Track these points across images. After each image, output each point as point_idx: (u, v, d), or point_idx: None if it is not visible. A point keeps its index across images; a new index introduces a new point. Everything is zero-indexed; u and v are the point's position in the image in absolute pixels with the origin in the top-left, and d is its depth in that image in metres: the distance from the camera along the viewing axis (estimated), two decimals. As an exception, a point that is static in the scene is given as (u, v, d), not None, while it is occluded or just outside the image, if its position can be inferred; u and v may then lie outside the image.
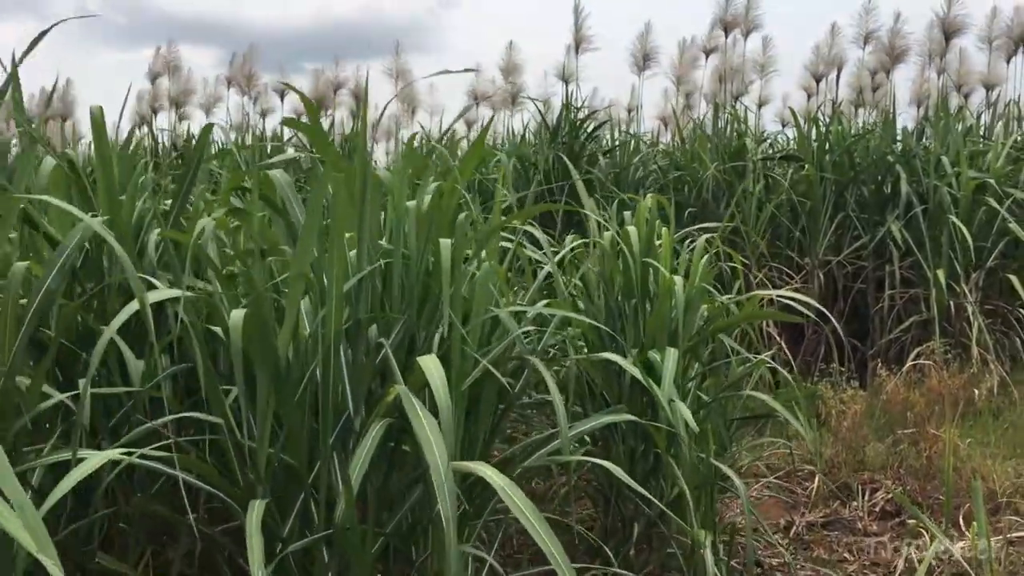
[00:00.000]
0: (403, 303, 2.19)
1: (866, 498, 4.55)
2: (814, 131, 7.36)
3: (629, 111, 10.09)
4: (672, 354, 2.79)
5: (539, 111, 7.33)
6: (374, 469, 2.01)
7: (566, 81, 8.63)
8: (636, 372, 2.52)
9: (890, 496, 4.51)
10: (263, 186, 2.30)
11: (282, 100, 9.43)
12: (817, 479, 4.69)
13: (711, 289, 3.21)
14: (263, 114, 10.37)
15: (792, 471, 4.97)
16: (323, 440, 1.95)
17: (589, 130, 7.34)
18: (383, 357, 2.02)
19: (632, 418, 2.52)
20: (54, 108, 10.52)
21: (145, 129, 10.82)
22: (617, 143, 7.76)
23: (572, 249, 3.28)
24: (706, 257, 3.19)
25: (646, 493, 2.17)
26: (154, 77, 9.72)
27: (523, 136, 8.21)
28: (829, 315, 3.35)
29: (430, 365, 1.82)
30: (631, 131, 8.19)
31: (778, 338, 6.75)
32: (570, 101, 7.70)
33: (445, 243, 2.15)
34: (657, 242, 3.20)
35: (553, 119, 7.52)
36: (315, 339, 1.97)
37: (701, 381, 3.37)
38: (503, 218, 2.71)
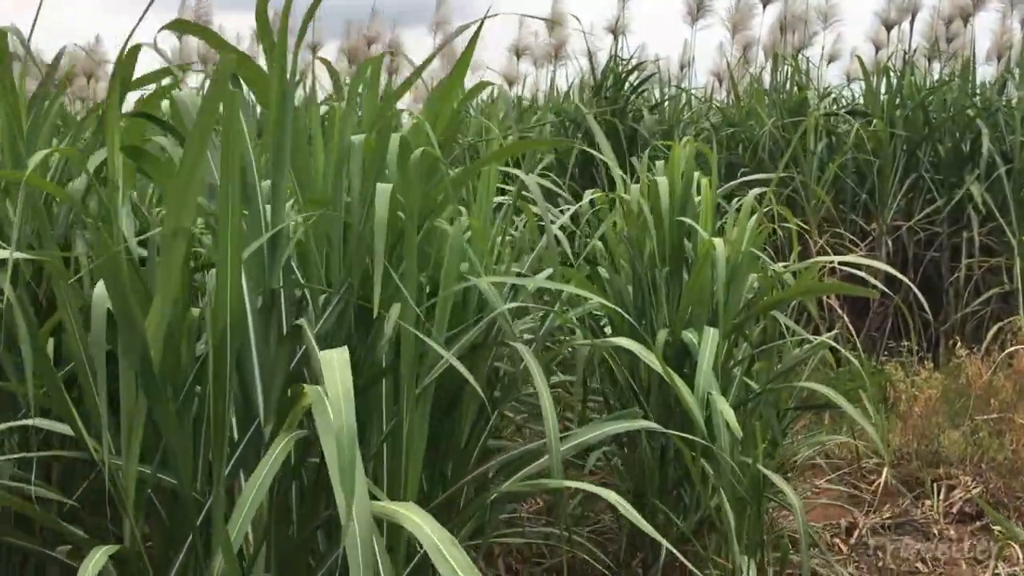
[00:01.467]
0: (343, 270, 1.71)
1: (941, 497, 3.98)
2: (883, 83, 6.68)
3: (682, 67, 9.44)
4: (711, 335, 2.27)
5: (581, 65, 6.75)
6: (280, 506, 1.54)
7: (614, 34, 8.03)
8: (655, 363, 1.99)
9: (970, 495, 3.92)
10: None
11: (314, 56, 8.94)
12: (884, 473, 4.12)
13: (761, 256, 2.66)
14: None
15: (856, 463, 4.40)
16: (216, 457, 1.47)
17: (635, 84, 6.75)
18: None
19: (650, 426, 1.99)
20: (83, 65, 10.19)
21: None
22: (665, 98, 7.14)
23: (592, 205, 2.75)
24: (755, 217, 2.64)
25: (653, 533, 1.64)
26: (181, 35, 9.29)
27: (567, 92, 7.63)
28: (904, 279, 2.78)
29: (331, 361, 1.31)
30: (682, 86, 7.56)
31: (840, 311, 6.14)
32: (616, 53, 7.11)
33: (383, 188, 1.65)
34: (696, 198, 2.67)
35: (598, 73, 6.94)
36: (215, 320, 1.49)
37: (749, 366, 2.84)
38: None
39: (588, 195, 2.71)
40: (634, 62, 7.20)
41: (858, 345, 6.08)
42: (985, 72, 8.70)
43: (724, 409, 2.14)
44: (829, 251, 6.24)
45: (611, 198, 2.72)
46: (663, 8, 11.08)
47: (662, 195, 2.49)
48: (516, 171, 2.45)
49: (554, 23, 8.90)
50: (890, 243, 6.23)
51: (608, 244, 2.66)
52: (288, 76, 1.75)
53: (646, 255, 2.55)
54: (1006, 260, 5.97)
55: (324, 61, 2.35)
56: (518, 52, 8.44)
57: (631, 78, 6.77)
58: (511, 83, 9.29)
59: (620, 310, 2.41)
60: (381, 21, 8.55)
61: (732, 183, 3.00)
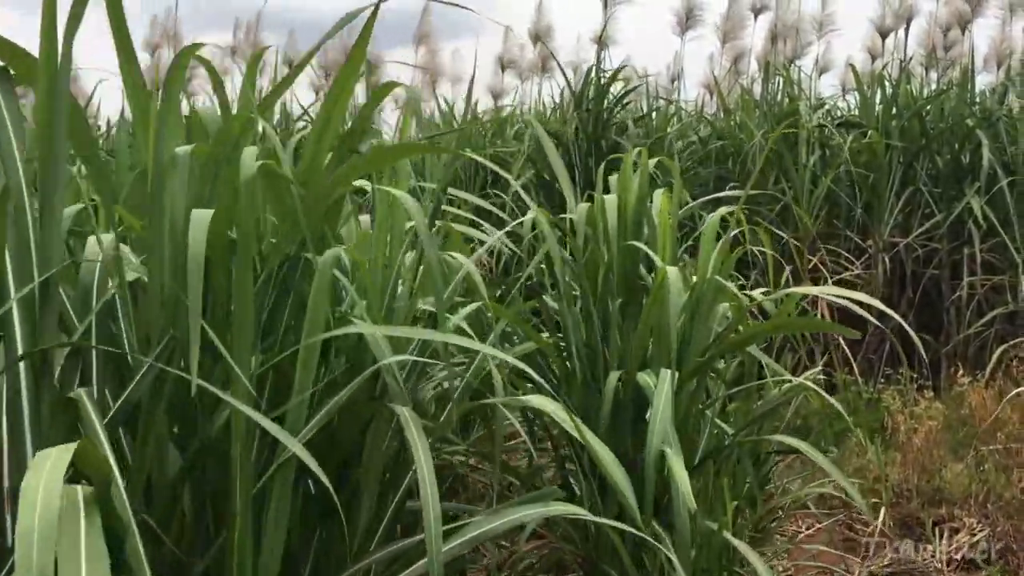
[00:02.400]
0: (165, 314, 1.40)
1: (944, 541, 3.64)
2: (878, 93, 6.38)
3: (673, 80, 9.16)
4: (668, 379, 1.95)
5: (564, 76, 6.47)
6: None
7: (599, 45, 7.74)
8: (567, 422, 1.63)
9: (976, 539, 3.59)
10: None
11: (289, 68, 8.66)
12: (882, 514, 3.78)
13: (727, 284, 2.32)
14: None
15: (848, 509, 4.07)
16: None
17: (618, 95, 6.45)
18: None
19: (568, 511, 1.64)
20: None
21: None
22: (653, 109, 6.84)
23: (534, 229, 2.43)
24: (723, 239, 2.33)
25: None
26: (153, 49, 9.03)
27: (556, 105, 7.34)
28: (893, 314, 2.45)
29: (41, 467, 0.95)
30: (672, 99, 7.26)
31: (834, 334, 5.81)
32: (600, 63, 6.81)
33: (200, 216, 1.32)
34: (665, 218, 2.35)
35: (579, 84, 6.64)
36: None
37: (723, 407, 2.52)
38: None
39: (529, 215, 2.39)
40: (619, 74, 6.92)
41: (854, 368, 5.82)
42: (984, 80, 8.36)
43: (679, 475, 1.82)
44: (823, 269, 5.93)
45: (564, 220, 2.41)
46: (653, 20, 10.81)
47: (608, 215, 2.18)
48: (466, 193, 2.14)
49: (537, 37, 8.63)
50: (887, 260, 5.92)
51: (555, 272, 2.34)
52: (61, 62, 1.42)
53: (600, 284, 2.24)
54: (1010, 278, 5.66)
55: (203, 60, 2.03)
56: (503, 64, 8.15)
57: (613, 89, 6.47)
58: (496, 97, 9.01)
59: (559, 349, 2.09)
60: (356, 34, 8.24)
61: (698, 200, 2.67)
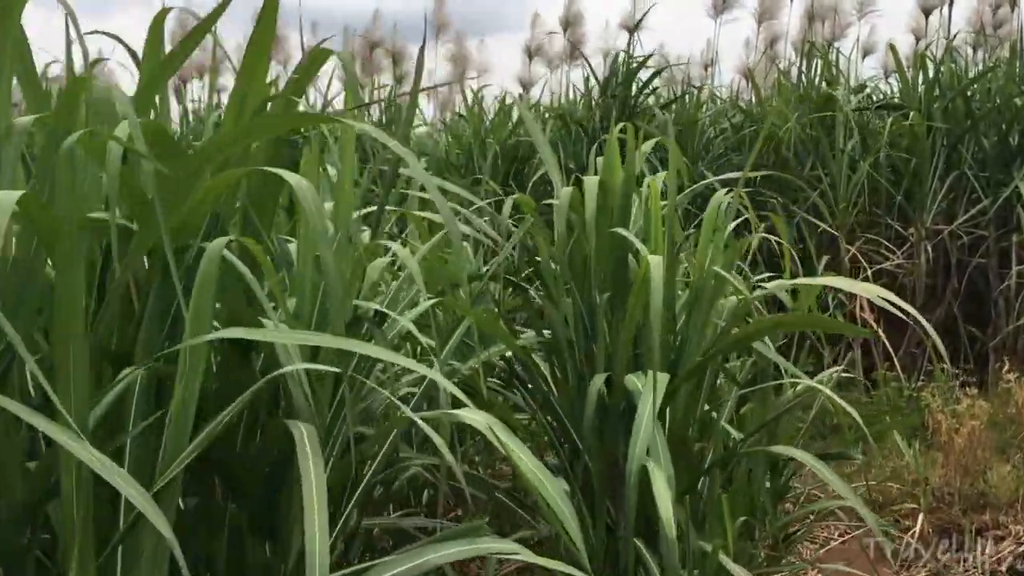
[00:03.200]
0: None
1: (987, 549, 3.38)
2: (921, 74, 6.06)
3: (706, 66, 8.88)
4: (656, 383, 1.74)
5: (587, 62, 6.25)
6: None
7: (629, 31, 7.50)
8: (497, 441, 1.39)
9: (1023, 548, 3.33)
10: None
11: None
12: (920, 520, 3.53)
13: (729, 277, 2.08)
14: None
15: (887, 504, 3.82)
16: None
17: (646, 80, 6.21)
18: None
19: (495, 549, 1.43)
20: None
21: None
22: (681, 95, 6.58)
23: (517, 212, 2.21)
24: (719, 226, 2.10)
25: None
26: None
27: (583, 93, 7.12)
28: (921, 319, 2.19)
29: None
30: (703, 85, 6.99)
31: (874, 325, 5.53)
32: (629, 49, 6.57)
33: (4, 197, 1.13)
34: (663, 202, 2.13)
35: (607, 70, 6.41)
36: None
37: (738, 409, 2.30)
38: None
39: (509, 202, 2.18)
40: (649, 59, 6.67)
41: (896, 362, 5.52)
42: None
43: (660, 496, 1.60)
44: (861, 259, 5.64)
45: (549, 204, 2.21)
46: (687, 4, 10.51)
47: (588, 199, 1.96)
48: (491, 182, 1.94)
49: (567, 24, 8.41)
50: (930, 248, 5.61)
51: (540, 264, 2.14)
52: None
53: (587, 276, 2.03)
54: (1062, 266, 5.34)
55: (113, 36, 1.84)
56: (531, 53, 7.93)
57: (642, 76, 6.23)
58: (526, 86, 8.80)
59: (550, 348, 1.89)
60: (383, 26, 8.11)
61: (699, 184, 2.43)
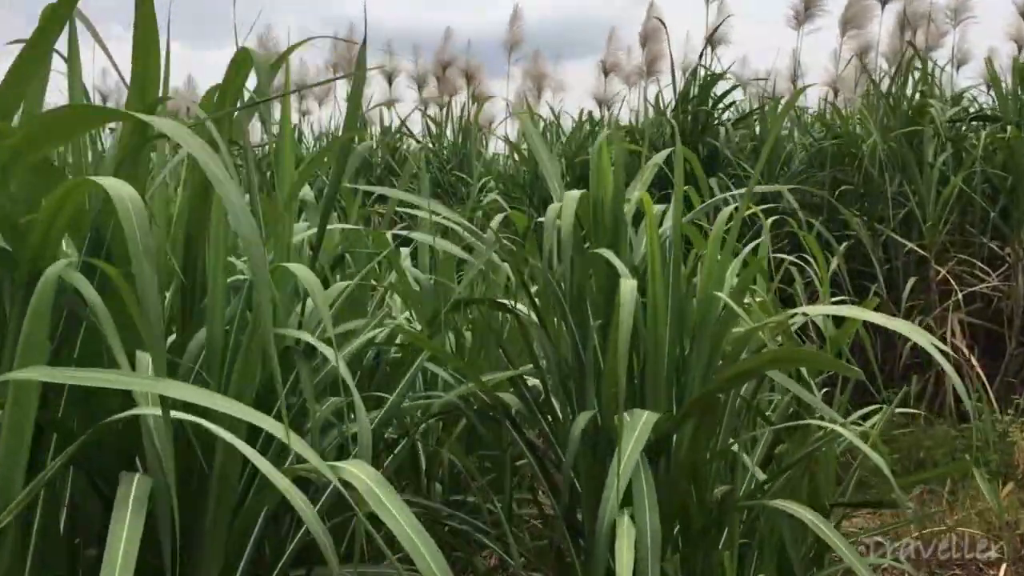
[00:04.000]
0: None
1: (1081, 607, 3.03)
2: (1021, 84, 5.65)
3: (793, 81, 8.54)
4: (639, 424, 1.52)
5: (666, 76, 6.03)
6: None
7: (710, 44, 7.25)
8: (373, 495, 1.16)
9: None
10: None
11: (390, 84, 8.50)
12: (1003, 571, 3.19)
13: (729, 302, 1.82)
14: (388, 104, 9.53)
15: (965, 553, 3.47)
16: None
17: (721, 94, 5.96)
18: None
19: None
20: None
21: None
22: (757, 109, 6.30)
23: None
24: (746, 248, 1.86)
25: None
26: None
27: (656, 108, 6.89)
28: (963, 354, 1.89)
29: None
30: (780, 98, 6.68)
31: (967, 352, 5.13)
32: (706, 62, 6.31)
33: None
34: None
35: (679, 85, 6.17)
36: None
37: (771, 449, 2.06)
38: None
39: (498, 218, 1.99)
40: (728, 73, 6.41)
41: (990, 392, 5.11)
42: None
43: (621, 556, 1.38)
44: (952, 281, 5.26)
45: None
46: (773, 19, 10.15)
47: (565, 215, 1.74)
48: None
49: (646, 39, 8.19)
50: (1028, 270, 5.19)
51: (537, 287, 1.94)
52: None
53: (577, 303, 1.82)
54: None
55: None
56: (606, 70, 7.74)
57: (716, 89, 5.98)
58: (601, 103, 8.61)
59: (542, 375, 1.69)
60: (456, 45, 8.05)
61: (710, 202, 2.18)
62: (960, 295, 5.21)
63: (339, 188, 1.78)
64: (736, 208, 1.97)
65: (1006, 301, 5.26)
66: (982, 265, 5.33)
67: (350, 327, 1.81)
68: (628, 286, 1.59)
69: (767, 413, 2.06)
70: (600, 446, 1.71)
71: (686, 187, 2.31)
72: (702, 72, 5.92)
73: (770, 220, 2.26)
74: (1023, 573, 3.25)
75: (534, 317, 1.89)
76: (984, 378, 5.03)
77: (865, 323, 5.64)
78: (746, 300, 2.16)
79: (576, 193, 1.78)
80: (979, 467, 4.38)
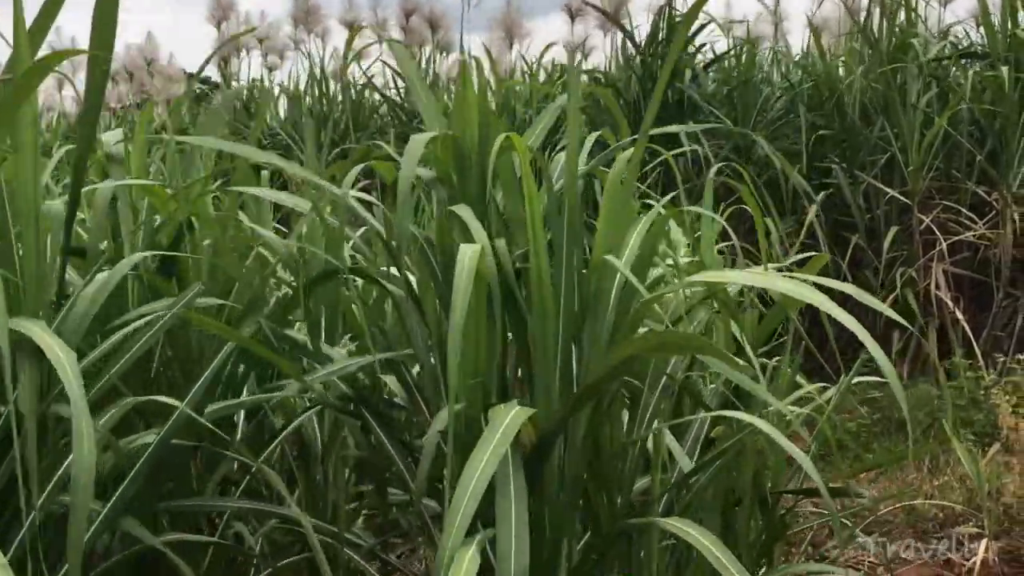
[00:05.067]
0: None
1: (1068, 587, 2.76)
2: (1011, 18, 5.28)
3: (775, 24, 8.14)
4: (500, 426, 1.21)
5: (609, 16, 5.67)
6: None
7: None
8: None
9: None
10: None
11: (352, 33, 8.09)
12: (983, 546, 2.92)
13: (623, 269, 1.49)
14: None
15: (949, 523, 3.21)
16: None
17: (691, 34, 5.58)
18: None
19: None
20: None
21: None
22: (727, 52, 5.92)
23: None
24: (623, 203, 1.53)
25: None
26: (218, 23, 8.74)
27: (622, 52, 6.51)
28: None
29: None
30: (754, 39, 6.30)
31: (951, 304, 4.84)
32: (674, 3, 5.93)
33: None
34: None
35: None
36: None
37: (707, 444, 1.77)
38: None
39: (355, 170, 1.65)
40: (704, 13, 6.02)
41: (976, 347, 4.81)
42: None
43: None
44: (935, 230, 4.95)
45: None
46: (757, -43, 9.67)
47: (405, 165, 1.40)
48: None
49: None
50: (1016, 217, 4.87)
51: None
52: None
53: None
54: None
55: None
56: (572, 13, 7.35)
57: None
58: (573, 50, 8.22)
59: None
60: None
61: (615, 146, 1.84)
62: (944, 244, 4.91)
63: (97, 116, 1.49)
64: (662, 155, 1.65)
65: (993, 250, 4.95)
66: (968, 212, 5.01)
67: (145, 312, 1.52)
68: (468, 252, 1.27)
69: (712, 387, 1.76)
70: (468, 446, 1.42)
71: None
72: (665, 12, 5.55)
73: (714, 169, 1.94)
74: (1007, 551, 2.98)
75: (393, 289, 1.57)
76: (970, 332, 4.75)
77: (837, 278, 5.31)
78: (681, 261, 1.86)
79: (423, 137, 1.45)
80: (962, 428, 4.12)
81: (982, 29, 6.53)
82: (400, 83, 7.62)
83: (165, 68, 9.87)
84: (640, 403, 1.59)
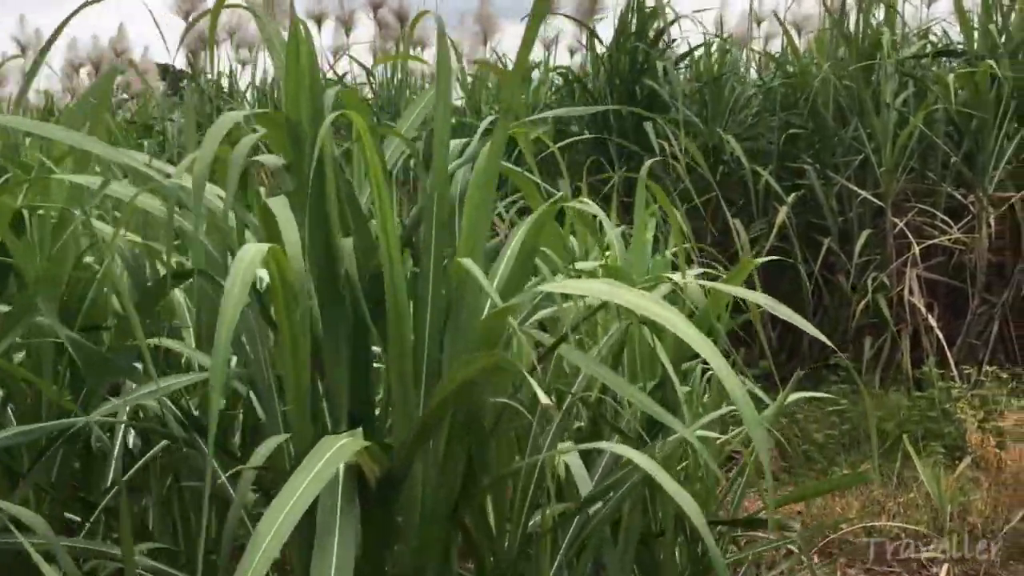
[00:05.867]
0: None
1: (1032, 617, 2.58)
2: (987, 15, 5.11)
3: (758, 22, 7.97)
4: (315, 465, 1.00)
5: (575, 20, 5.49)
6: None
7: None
8: None
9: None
10: None
11: (318, 26, 7.89)
12: (944, 572, 2.74)
13: (479, 275, 1.27)
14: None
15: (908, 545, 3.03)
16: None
17: (658, 30, 5.41)
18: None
19: None
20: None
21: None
22: (696, 48, 5.74)
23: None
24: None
25: None
26: (186, 14, 8.53)
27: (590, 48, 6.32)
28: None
29: None
30: (725, 36, 6.12)
31: (925, 311, 4.66)
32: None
33: None
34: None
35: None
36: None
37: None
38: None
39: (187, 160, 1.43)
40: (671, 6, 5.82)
41: (949, 356, 4.63)
42: None
43: None
44: (908, 233, 4.77)
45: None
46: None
47: (205, 144, 1.19)
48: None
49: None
50: (992, 220, 4.69)
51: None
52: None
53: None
54: None
55: None
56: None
57: (656, 24, 5.43)
58: (547, 47, 8.03)
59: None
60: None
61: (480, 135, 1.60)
62: (919, 248, 4.73)
63: None
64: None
65: (969, 255, 4.78)
66: (943, 216, 4.83)
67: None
68: (245, 257, 1.06)
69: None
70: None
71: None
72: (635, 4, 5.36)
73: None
74: (966, 572, 2.80)
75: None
76: (943, 340, 4.57)
77: (803, 284, 5.11)
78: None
79: (233, 115, 1.24)
80: (932, 441, 3.94)
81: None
82: (374, 78, 7.43)
83: (140, 62, 9.67)
84: (533, 426, 1.40)
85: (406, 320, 1.22)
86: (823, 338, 1.21)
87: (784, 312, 1.26)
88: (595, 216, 1.78)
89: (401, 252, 1.26)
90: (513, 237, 1.30)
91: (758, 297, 1.29)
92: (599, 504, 1.42)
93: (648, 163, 2.03)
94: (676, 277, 1.78)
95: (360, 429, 1.14)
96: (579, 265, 1.67)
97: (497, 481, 1.33)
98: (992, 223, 4.71)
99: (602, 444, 1.37)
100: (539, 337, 1.46)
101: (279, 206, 1.16)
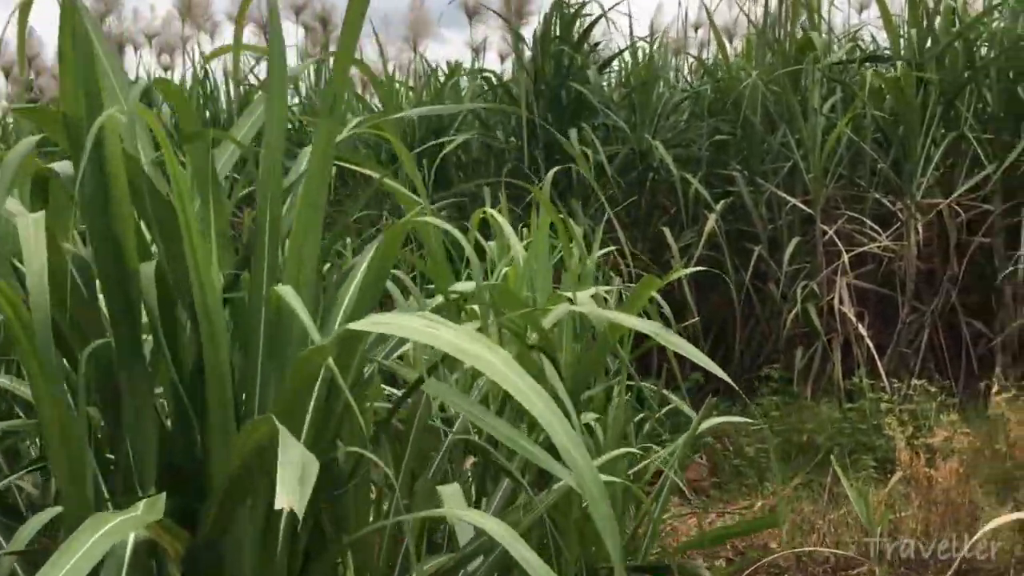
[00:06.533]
0: None
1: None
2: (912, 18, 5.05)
3: (696, 28, 7.88)
4: (79, 549, 0.82)
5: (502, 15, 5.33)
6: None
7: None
8: None
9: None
10: None
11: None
12: (874, 601, 2.62)
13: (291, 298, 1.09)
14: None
15: (842, 568, 2.90)
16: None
17: (582, 31, 5.27)
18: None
19: None
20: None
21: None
22: (624, 50, 5.61)
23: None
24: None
25: None
26: (101, 17, 8.20)
27: (515, 51, 6.15)
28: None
29: None
30: (651, 37, 5.99)
31: (855, 321, 4.57)
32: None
33: None
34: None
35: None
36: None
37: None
38: None
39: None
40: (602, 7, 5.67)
41: (880, 366, 4.54)
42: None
43: None
44: (838, 241, 4.68)
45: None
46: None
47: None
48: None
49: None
50: (920, 227, 4.62)
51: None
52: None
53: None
54: (1083, 246, 4.37)
55: None
56: (469, 12, 6.97)
57: (582, 23, 5.28)
58: (476, 51, 7.85)
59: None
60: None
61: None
62: (848, 257, 4.64)
63: None
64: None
65: (898, 262, 4.71)
66: (872, 224, 4.75)
67: None
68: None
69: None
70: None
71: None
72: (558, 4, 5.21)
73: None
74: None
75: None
76: (873, 349, 4.48)
77: (738, 293, 5.00)
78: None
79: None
80: (863, 455, 3.84)
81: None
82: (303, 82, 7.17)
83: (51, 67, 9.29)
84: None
85: (222, 356, 1.03)
86: (722, 374, 1.06)
87: (676, 342, 1.11)
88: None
89: (236, 277, 1.06)
90: (364, 258, 1.12)
91: (651, 326, 1.13)
92: (480, 559, 1.24)
93: (551, 173, 1.87)
94: (584, 294, 1.62)
95: (163, 495, 0.94)
96: (458, 286, 1.50)
97: (356, 541, 1.15)
98: (920, 230, 4.64)
99: (441, 511, 1.17)
100: (403, 373, 1.29)
101: (23, 223, 0.95)
